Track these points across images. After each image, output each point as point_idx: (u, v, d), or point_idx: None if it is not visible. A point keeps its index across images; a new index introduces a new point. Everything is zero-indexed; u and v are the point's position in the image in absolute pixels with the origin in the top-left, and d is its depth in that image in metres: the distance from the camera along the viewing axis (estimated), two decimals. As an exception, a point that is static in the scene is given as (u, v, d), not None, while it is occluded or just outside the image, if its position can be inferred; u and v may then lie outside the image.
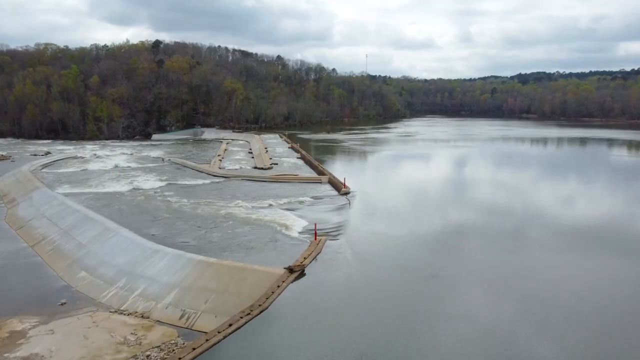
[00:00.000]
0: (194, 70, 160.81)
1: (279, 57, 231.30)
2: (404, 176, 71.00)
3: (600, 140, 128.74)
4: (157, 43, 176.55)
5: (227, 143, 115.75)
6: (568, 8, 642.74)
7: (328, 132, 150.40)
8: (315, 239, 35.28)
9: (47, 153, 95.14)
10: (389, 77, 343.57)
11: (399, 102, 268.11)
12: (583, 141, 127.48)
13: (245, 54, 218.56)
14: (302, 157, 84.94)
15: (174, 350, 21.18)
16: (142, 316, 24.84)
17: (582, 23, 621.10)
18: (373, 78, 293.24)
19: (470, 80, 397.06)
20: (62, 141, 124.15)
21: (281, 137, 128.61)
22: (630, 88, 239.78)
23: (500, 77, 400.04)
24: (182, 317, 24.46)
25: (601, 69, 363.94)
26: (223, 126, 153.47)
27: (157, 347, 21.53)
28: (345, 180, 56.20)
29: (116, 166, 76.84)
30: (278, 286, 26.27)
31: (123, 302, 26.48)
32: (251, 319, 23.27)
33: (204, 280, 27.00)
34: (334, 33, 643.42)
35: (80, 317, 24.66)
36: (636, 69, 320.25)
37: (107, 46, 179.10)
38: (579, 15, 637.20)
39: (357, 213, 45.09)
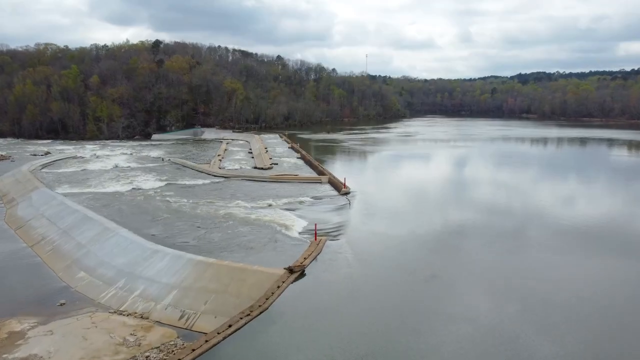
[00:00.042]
0: (194, 70, 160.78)
1: (279, 57, 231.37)
2: (404, 176, 70.95)
3: (600, 140, 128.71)
4: (157, 43, 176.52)
5: (227, 143, 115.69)
6: (568, 8, 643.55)
7: (328, 132, 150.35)
8: (316, 239, 35.21)
9: (47, 153, 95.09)
10: (389, 77, 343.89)
11: (399, 102, 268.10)
12: (583, 141, 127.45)
13: (245, 54, 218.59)
14: (302, 157, 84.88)
15: (173, 351, 21.10)
16: (141, 317, 24.77)
17: (582, 23, 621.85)
18: (373, 78, 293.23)
19: (470, 80, 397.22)
20: (62, 141, 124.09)
21: (281, 137, 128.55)
22: (630, 88, 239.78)
23: (500, 77, 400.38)
24: (181, 317, 24.38)
25: (601, 69, 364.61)
26: (223, 126, 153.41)
27: (157, 348, 21.45)
28: (346, 180, 56.13)
29: (116, 166, 76.78)
30: (278, 287, 26.19)
31: (122, 303, 26.40)
32: (251, 319, 23.19)
33: (203, 281, 26.93)
34: (334, 33, 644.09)
35: (80, 317, 24.59)
36: (636, 69, 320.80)
37: (107, 46, 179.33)
38: (579, 15, 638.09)
39: (358, 213, 45.03)
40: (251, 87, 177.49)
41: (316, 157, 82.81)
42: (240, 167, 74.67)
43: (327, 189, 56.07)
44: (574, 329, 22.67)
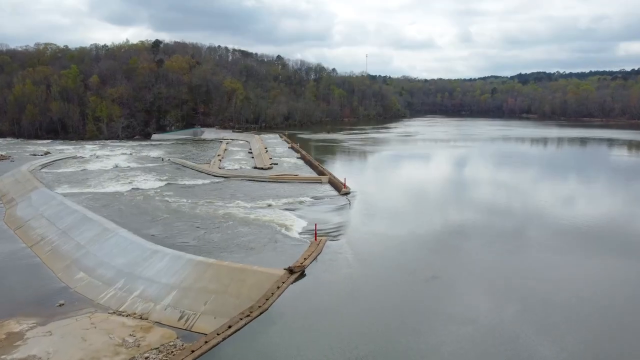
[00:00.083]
0: (194, 70, 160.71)
1: (279, 57, 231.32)
2: (404, 176, 70.88)
3: (600, 140, 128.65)
4: (157, 43, 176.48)
5: (227, 143, 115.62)
6: (568, 8, 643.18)
7: (328, 132, 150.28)
8: (316, 239, 35.14)
9: (47, 153, 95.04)
10: (389, 77, 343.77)
11: (399, 102, 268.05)
12: (583, 141, 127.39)
13: (245, 54, 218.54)
14: (302, 157, 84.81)
15: (172, 352, 21.02)
16: (140, 317, 24.69)
17: (582, 23, 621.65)
18: (373, 78, 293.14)
19: (470, 80, 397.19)
20: (61, 141, 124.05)
21: (281, 137, 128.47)
22: (630, 88, 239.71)
23: (500, 77, 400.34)
24: (181, 318, 24.30)
25: (601, 69, 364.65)
26: (223, 126, 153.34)
27: (156, 348, 21.37)
28: (346, 180, 56.05)
29: (116, 166, 76.71)
30: (278, 287, 26.11)
31: (122, 303, 26.33)
32: (251, 320, 23.11)
33: (203, 281, 26.85)
34: (334, 33, 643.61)
35: (79, 318, 24.51)
36: (636, 69, 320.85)
37: (107, 46, 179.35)
38: (579, 15, 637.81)
39: (358, 213, 44.96)
40: (251, 87, 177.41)
41: (316, 157, 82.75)
42: (240, 167, 74.61)
43: (327, 189, 55.99)
44: (574, 329, 22.66)
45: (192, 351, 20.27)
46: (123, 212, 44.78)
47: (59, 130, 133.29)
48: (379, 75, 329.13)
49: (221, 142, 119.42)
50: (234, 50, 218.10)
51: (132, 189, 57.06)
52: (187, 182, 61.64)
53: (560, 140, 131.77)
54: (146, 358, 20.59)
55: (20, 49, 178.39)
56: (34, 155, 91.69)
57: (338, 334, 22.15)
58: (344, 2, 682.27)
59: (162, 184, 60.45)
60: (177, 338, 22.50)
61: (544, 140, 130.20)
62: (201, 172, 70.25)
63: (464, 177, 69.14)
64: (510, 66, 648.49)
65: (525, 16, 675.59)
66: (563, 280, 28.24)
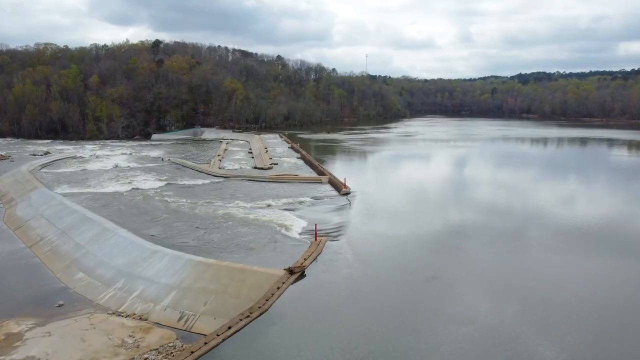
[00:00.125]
0: (194, 70, 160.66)
1: (279, 57, 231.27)
2: (405, 176, 70.83)
3: (600, 140, 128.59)
4: (157, 43, 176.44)
5: (227, 143, 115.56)
6: (568, 8, 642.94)
7: (328, 132, 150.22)
8: (316, 239, 35.08)
9: (47, 153, 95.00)
10: (389, 77, 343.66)
11: (399, 102, 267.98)
12: (583, 141, 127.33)
13: (245, 54, 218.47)
14: (302, 157, 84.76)
15: (172, 353, 20.95)
16: (140, 318, 24.62)
17: (582, 23, 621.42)
18: (373, 78, 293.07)
19: (470, 80, 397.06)
20: (61, 141, 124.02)
21: (281, 137, 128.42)
22: (630, 88, 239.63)
23: (500, 77, 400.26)
24: (180, 319, 24.24)
25: (601, 69, 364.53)
26: (223, 126, 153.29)
27: (155, 349, 21.30)
28: (346, 180, 55.99)
29: (115, 166, 76.66)
30: (278, 288, 26.04)
31: (121, 304, 26.26)
32: (251, 321, 23.03)
33: (203, 282, 26.79)
34: (334, 33, 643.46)
35: (78, 319, 24.45)
36: (636, 69, 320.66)
37: (107, 46, 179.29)
38: (579, 15, 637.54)
39: (358, 213, 44.90)
40: (251, 87, 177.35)
41: (316, 157, 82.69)
42: (240, 167, 74.55)
43: (327, 189, 55.93)
44: (574, 329, 22.64)
45: (192, 352, 20.21)
46: (123, 212, 44.72)
47: (59, 130, 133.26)
48: (379, 75, 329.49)
49: (221, 142, 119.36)
50: (234, 50, 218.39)
51: (132, 189, 57.00)
52: (187, 182, 61.59)
53: (560, 140, 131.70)
54: (145, 359, 20.53)
55: (20, 49, 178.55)
56: (34, 155, 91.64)
57: (338, 334, 22.10)
58: (344, 2, 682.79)
59: (162, 184, 60.39)
60: (177, 339, 22.44)
61: (544, 140, 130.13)
62: (201, 172, 70.20)
63: (464, 177, 69.08)
64: (510, 66, 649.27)
65: (525, 16, 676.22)
66: (563, 280, 28.20)
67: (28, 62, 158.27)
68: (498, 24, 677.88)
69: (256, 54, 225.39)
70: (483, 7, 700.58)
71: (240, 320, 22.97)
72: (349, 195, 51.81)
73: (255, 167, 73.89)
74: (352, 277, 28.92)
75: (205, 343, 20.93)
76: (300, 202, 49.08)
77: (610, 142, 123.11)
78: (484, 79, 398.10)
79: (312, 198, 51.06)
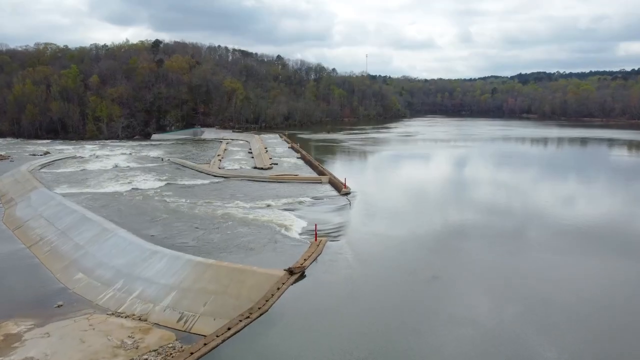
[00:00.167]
0: (194, 70, 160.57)
1: (279, 57, 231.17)
2: (405, 176, 70.72)
3: (600, 140, 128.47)
4: (157, 43, 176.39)
5: (227, 143, 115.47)
6: (568, 8, 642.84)
7: (328, 132, 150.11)
8: (316, 239, 34.97)
9: (46, 153, 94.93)
10: (389, 77, 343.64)
11: (399, 102, 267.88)
12: (583, 141, 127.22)
13: (245, 54, 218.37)
14: (302, 157, 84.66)
15: (171, 354, 20.85)
16: (139, 319, 24.51)
17: (582, 23, 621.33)
18: (373, 78, 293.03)
19: (470, 80, 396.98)
20: (61, 141, 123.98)
21: (281, 137, 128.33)
22: (630, 88, 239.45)
23: (500, 77, 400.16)
24: (180, 319, 24.13)
25: (601, 69, 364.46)
26: (223, 126, 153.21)
27: (155, 350, 21.20)
28: (346, 180, 55.88)
29: (115, 166, 76.56)
30: (278, 288, 25.94)
31: (120, 305, 26.16)
32: (251, 322, 22.93)
33: (202, 282, 26.68)
34: (334, 33, 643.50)
35: (77, 319, 24.35)
36: (636, 69, 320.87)
37: (107, 46, 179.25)
38: (579, 15, 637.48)
39: (358, 213, 44.80)
40: (251, 87, 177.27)
41: (316, 157, 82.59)
42: (240, 167, 74.46)
43: (328, 189, 55.82)
44: (574, 329, 22.62)
45: (191, 353, 20.11)
46: (122, 212, 44.61)
47: (59, 130, 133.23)
48: (379, 75, 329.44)
49: (221, 142, 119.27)
50: (234, 50, 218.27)
51: (132, 189, 56.89)
52: (186, 182, 61.48)
53: (560, 140, 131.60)
54: (145, 360, 20.43)
55: (20, 48, 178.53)
56: (34, 155, 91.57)
57: (338, 334, 22.02)
58: (344, 2, 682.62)
59: (162, 184, 60.28)
60: (176, 340, 22.34)
61: (544, 140, 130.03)
62: (201, 172, 70.10)
63: (464, 177, 68.97)
64: (510, 66, 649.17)
65: (525, 16, 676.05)
66: (563, 280, 28.16)
67: (28, 62, 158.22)
68: (498, 24, 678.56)
69: (256, 54, 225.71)
70: (483, 7, 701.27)
71: (240, 321, 22.87)
72: (349, 196, 51.70)
73: (255, 167, 73.80)
74: (352, 277, 28.82)
75: (205, 344, 20.83)
76: (300, 202, 48.97)
77: (611, 142, 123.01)
78: (484, 79, 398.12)
79: (312, 198, 50.95)
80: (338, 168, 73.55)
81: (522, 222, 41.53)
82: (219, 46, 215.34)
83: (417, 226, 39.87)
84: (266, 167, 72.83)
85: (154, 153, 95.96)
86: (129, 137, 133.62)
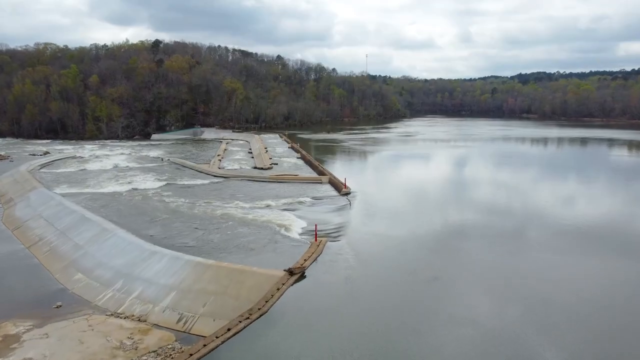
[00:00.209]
0: (194, 70, 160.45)
1: (279, 57, 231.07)
2: (405, 176, 70.62)
3: (600, 140, 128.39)
4: (157, 43, 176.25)
5: (227, 143, 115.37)
6: (568, 8, 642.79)
7: (328, 132, 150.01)
8: (316, 240, 34.88)
9: (46, 153, 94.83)
10: (389, 77, 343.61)
11: (399, 102, 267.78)
12: (584, 141, 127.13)
13: (245, 54, 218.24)
14: (302, 157, 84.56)
15: (171, 355, 20.76)
16: (139, 319, 24.42)
17: (582, 23, 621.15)
18: (373, 78, 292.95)
19: (470, 80, 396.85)
20: (61, 141, 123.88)
21: (281, 137, 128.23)
22: (630, 88, 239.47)
23: (500, 77, 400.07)
24: (179, 320, 24.04)
25: (601, 69, 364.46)
26: (223, 126, 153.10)
27: (154, 352, 21.11)
28: (346, 180, 55.79)
29: (115, 166, 76.46)
30: (278, 289, 25.85)
31: (120, 305, 26.07)
32: (250, 323, 22.84)
33: (202, 283, 26.59)
34: (334, 33, 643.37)
35: (76, 320, 24.26)
36: (636, 69, 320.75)
37: (107, 46, 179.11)
38: (579, 15, 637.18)
39: (358, 214, 44.71)
40: (251, 87, 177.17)
41: (316, 157, 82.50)
42: (240, 167, 74.36)
43: (328, 189, 55.73)
44: (574, 329, 22.62)
45: (191, 354, 20.02)
46: (122, 213, 44.51)
47: (59, 130, 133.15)
48: (379, 75, 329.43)
49: (221, 142, 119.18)
50: (234, 50, 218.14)
51: (132, 189, 56.79)
52: (186, 182, 61.39)
53: (560, 140, 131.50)
54: (144, 361, 20.33)
55: (20, 48, 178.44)
56: (33, 155, 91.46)
57: (338, 335, 21.97)
58: (344, 2, 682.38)
59: (162, 184, 60.18)
60: (176, 340, 22.25)
61: (544, 140, 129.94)
62: (201, 172, 70.00)
63: (464, 177, 68.88)
64: (510, 66, 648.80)
65: (525, 16, 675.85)
66: (563, 280, 28.15)
67: (28, 62, 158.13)
68: (498, 24, 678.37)
69: (256, 54, 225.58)
70: (483, 7, 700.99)
71: (240, 321, 22.78)
72: (349, 196, 51.60)
73: (255, 167, 73.70)
74: (353, 277, 28.75)
75: (205, 345, 20.74)
76: (300, 202, 48.87)
77: (611, 142, 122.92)
78: (484, 79, 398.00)
79: (312, 198, 50.85)
80: (338, 168, 73.46)
81: (522, 222, 41.45)
82: (219, 46, 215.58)
83: (417, 226, 39.79)
84: (266, 167, 72.74)
85: (154, 153, 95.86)
86: (129, 137, 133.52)
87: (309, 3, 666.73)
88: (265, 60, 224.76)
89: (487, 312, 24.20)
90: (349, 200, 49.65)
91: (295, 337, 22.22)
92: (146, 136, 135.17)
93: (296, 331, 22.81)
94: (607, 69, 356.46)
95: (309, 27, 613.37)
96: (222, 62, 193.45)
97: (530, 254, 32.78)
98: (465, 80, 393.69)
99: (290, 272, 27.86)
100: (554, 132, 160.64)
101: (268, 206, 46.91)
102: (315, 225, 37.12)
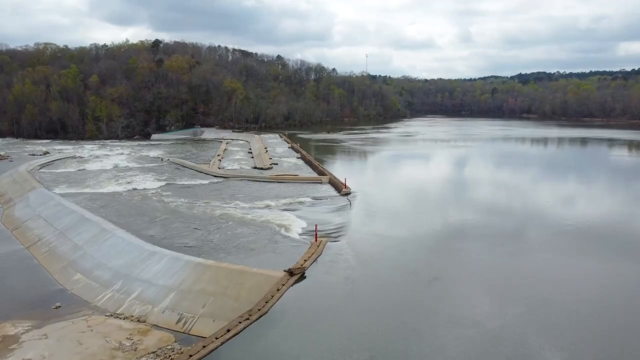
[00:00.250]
0: (194, 69, 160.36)
1: (279, 57, 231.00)
2: (405, 176, 70.54)
3: (601, 140, 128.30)
4: (157, 42, 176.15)
5: (227, 143, 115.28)
6: (568, 8, 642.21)
7: (328, 132, 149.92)
8: (316, 240, 34.78)
9: (46, 153, 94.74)
10: (389, 77, 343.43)
11: (399, 102, 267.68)
12: (584, 141, 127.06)
13: (245, 54, 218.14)
14: (302, 157, 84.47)
15: (170, 356, 20.66)
16: (138, 320, 24.32)
17: (582, 23, 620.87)
18: (373, 78, 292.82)
19: (470, 80, 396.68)
20: (61, 141, 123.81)
21: (281, 137, 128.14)
22: (631, 88, 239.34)
23: (500, 77, 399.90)
24: (179, 321, 23.94)
25: (601, 69, 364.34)
26: (223, 126, 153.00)
27: (153, 352, 21.01)
28: (346, 180, 55.70)
29: (115, 166, 76.37)
30: (278, 290, 25.75)
31: (119, 306, 25.97)
32: (250, 324, 22.74)
33: (201, 284, 26.49)
34: (334, 33, 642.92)
35: (75, 321, 24.15)
36: (637, 69, 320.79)
37: (107, 46, 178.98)
38: (579, 15, 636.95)
39: (358, 214, 44.62)
40: (251, 87, 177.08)
41: (316, 157, 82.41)
42: (240, 167, 74.28)
43: (328, 190, 55.64)
44: (574, 329, 22.56)
45: (190, 356, 19.91)
46: (121, 213, 44.42)
47: (59, 130, 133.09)
48: (379, 75, 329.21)
49: (221, 142, 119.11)
50: (234, 50, 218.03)
51: (131, 189, 56.70)
52: (186, 182, 61.29)
53: (560, 140, 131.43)
54: (143, 362, 20.23)
55: (20, 48, 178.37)
56: (33, 155, 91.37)
57: (338, 335, 21.91)
58: (344, 2, 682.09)
59: (161, 184, 60.09)
60: (175, 341, 22.15)
61: (545, 140, 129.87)
62: (200, 172, 69.92)
63: (464, 177, 68.80)
64: (510, 66, 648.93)
65: (525, 16, 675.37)
66: (563, 280, 28.09)
67: (28, 62, 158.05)
68: (498, 24, 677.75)
69: (256, 54, 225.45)
70: (483, 7, 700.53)
71: (240, 323, 22.68)
72: (349, 196, 51.50)
73: (255, 167, 73.62)
74: (353, 278, 28.66)
75: (204, 346, 20.64)
76: (300, 203, 48.78)
77: (611, 142, 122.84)
78: (484, 79, 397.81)
79: (312, 198, 50.75)
80: (338, 168, 73.37)
81: (522, 222, 41.37)
82: (219, 46, 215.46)
83: (417, 226, 39.72)
84: (266, 167, 72.65)
85: (154, 153, 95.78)
86: (129, 137, 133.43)
87: (309, 3, 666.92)
88: (265, 60, 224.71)
89: (487, 312, 24.13)
90: (349, 201, 49.56)
91: (295, 337, 22.13)
92: (146, 136, 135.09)
93: (296, 332, 22.72)
94: (607, 69, 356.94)
95: (309, 27, 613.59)
96: (222, 62, 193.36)
97: (531, 254, 32.70)
98: (465, 80, 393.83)
99: (290, 272, 27.76)
100: (554, 132, 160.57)
101: (268, 206, 46.82)
102: (316, 226, 37.02)
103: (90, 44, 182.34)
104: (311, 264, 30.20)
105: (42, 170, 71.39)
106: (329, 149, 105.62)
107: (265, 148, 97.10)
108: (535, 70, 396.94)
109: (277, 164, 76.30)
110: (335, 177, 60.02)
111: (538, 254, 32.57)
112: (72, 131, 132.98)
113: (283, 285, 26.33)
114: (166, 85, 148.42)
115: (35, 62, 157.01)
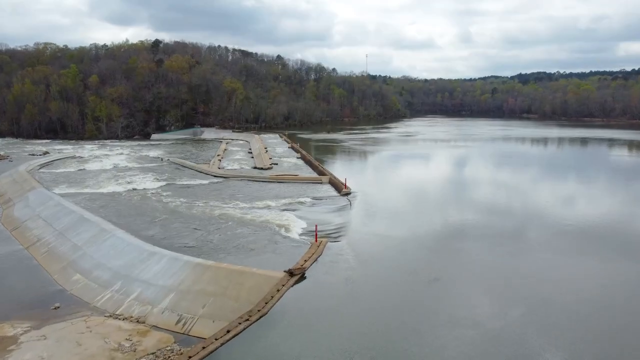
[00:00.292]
0: (194, 69, 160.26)
1: (279, 56, 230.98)
2: (405, 176, 70.47)
3: (601, 140, 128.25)
4: (157, 42, 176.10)
5: (227, 143, 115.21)
6: (568, 8, 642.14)
7: (328, 132, 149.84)
8: (316, 240, 34.71)
9: (45, 153, 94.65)
10: (389, 77, 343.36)
11: (399, 102, 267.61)
12: (584, 141, 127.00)
13: (245, 54, 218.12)
14: (302, 157, 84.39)
15: (169, 357, 20.57)
16: (137, 321, 24.22)
17: (582, 23, 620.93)
18: (373, 78, 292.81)
19: (470, 80, 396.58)
20: (60, 141, 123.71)
21: (281, 137, 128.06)
22: (631, 88, 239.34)
23: (500, 77, 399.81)
24: (178, 322, 23.85)
25: (601, 69, 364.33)
26: (223, 126, 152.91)
27: (153, 353, 20.92)
28: (346, 180, 55.62)
29: (115, 166, 76.29)
30: (278, 290, 25.66)
31: (118, 307, 25.88)
32: (250, 324, 22.65)
33: (201, 284, 26.41)
34: (334, 33, 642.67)
35: (74, 321, 24.06)
36: (637, 69, 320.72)
37: (107, 46, 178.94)
38: (579, 15, 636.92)
39: (358, 214, 44.55)
40: (251, 87, 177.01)
41: (316, 157, 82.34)
42: (240, 167, 74.20)
43: (328, 190, 55.56)
44: (574, 329, 22.52)
45: (190, 357, 19.83)
46: (121, 213, 44.33)
47: (58, 130, 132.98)
48: (379, 75, 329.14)
49: (221, 142, 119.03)
50: (234, 50, 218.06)
51: (131, 189, 56.62)
52: (186, 182, 61.21)
53: (560, 140, 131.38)
54: (142, 363, 20.15)
55: (19, 48, 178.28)
56: (33, 155, 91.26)
57: (338, 335, 21.85)
58: (344, 2, 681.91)
59: (161, 184, 60.01)
60: (175, 342, 22.06)
61: (545, 140, 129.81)
62: (200, 172, 69.84)
63: (464, 177, 68.74)
64: (510, 66, 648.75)
65: (525, 16, 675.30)
66: (563, 280, 28.05)
67: (27, 62, 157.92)
68: (498, 24, 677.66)
69: (256, 53, 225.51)
70: (483, 7, 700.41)
71: (240, 323, 22.59)
72: (349, 196, 51.42)
73: (255, 167, 73.54)
74: (353, 278, 28.60)
75: (204, 347, 20.55)
76: (301, 203, 48.70)
77: (611, 142, 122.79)
78: (484, 79, 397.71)
79: (312, 198, 50.67)
80: (338, 168, 73.30)
81: (522, 222, 41.32)
82: (219, 46, 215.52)
83: (417, 226, 39.66)
84: (266, 167, 72.57)
85: (154, 153, 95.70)
86: (129, 137, 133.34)
87: (309, 3, 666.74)
88: (265, 60, 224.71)
89: (487, 312, 24.09)
90: (349, 201, 49.48)
91: (295, 338, 22.05)
92: (146, 136, 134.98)
93: (296, 332, 22.65)
94: (607, 69, 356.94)
95: (309, 27, 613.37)
96: (222, 62, 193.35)
97: (531, 254, 32.65)
98: (465, 80, 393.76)
99: (290, 273, 27.68)
100: (554, 132, 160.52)
101: (268, 206, 46.73)
102: (316, 226, 36.94)
103: (90, 44, 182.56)
104: (311, 265, 30.11)
105: (41, 170, 71.32)
106: (329, 149, 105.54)
107: (265, 148, 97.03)
108: (535, 70, 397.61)
109: (277, 164, 76.22)
110: (335, 177, 59.95)
111: (538, 254, 32.52)
112: (72, 131, 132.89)
113: (283, 285, 26.24)
114: (166, 85, 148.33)
115: (35, 62, 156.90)
